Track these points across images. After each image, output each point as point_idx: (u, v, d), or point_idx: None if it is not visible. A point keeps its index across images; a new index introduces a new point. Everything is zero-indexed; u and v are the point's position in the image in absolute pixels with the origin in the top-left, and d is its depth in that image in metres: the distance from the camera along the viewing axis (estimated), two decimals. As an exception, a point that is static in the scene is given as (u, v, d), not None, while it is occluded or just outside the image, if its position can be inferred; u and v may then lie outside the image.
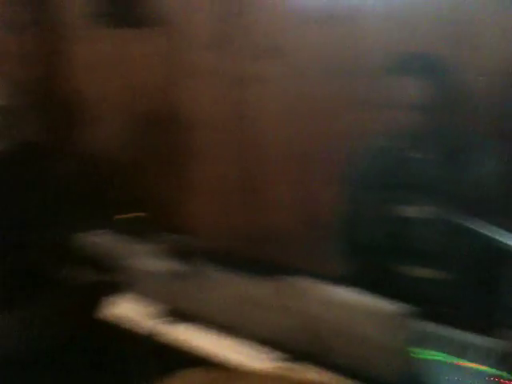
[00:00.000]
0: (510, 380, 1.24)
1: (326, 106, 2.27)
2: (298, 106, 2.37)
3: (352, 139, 2.10)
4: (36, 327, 2.08)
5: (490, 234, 1.45)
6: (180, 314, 1.58)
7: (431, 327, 1.35)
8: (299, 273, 1.34)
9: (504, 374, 1.26)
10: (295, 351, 1.29)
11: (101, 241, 1.79)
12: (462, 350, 1.30)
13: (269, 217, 2.56)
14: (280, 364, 1.27)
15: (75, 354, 2.00)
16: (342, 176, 2.04)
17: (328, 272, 1.68)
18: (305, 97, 2.33)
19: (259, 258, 1.73)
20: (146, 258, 1.66)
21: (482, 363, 1.27)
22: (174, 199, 2.78)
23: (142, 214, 1.96)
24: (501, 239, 1.42)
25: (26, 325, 2.09)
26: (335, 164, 2.11)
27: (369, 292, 1.24)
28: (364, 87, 2.12)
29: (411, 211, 1.85)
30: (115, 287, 1.75)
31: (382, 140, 1.95)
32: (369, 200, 1.92)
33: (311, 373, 1.21)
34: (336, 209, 2.06)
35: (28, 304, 2.10)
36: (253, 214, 2.59)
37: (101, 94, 2.78)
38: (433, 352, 1.31)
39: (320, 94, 2.27)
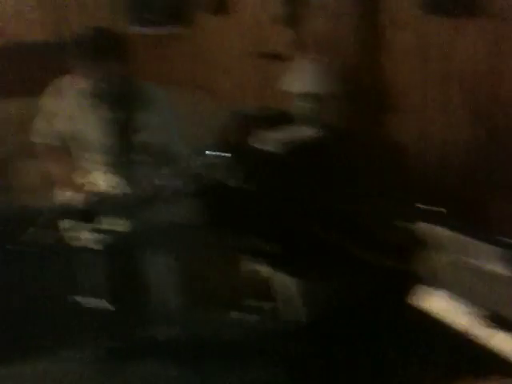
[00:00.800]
0: None
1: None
2: None
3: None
4: (341, 299, 2.30)
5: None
6: (502, 321, 1.53)
7: None
8: None
9: None
10: None
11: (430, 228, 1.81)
12: None
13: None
14: None
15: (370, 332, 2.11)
16: None
17: None
18: None
19: None
20: (479, 258, 1.63)
21: None
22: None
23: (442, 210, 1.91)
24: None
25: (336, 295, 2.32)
26: None
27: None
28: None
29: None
30: (422, 279, 1.78)
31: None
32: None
33: None
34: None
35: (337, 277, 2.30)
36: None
37: (414, 84, 2.66)
38: None
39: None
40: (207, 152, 2.02)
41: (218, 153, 1.87)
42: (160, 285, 2.22)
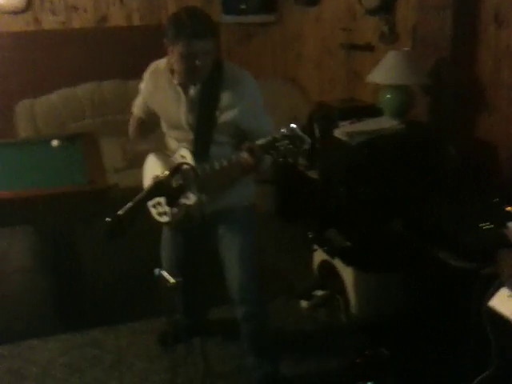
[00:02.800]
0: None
1: None
2: None
3: None
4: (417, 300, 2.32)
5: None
6: None
7: None
8: None
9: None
10: None
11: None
12: None
13: None
14: None
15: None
16: None
17: None
18: None
19: None
20: None
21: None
22: None
23: None
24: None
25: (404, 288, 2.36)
26: None
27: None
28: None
29: None
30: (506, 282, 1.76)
31: None
32: None
33: None
34: None
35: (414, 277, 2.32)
36: None
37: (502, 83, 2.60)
38: None
39: None
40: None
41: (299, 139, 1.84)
42: (230, 266, 2.27)
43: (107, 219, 1.74)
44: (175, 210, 2.09)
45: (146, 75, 2.31)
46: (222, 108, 2.12)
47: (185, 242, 2.43)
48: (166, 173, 1.88)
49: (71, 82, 4.49)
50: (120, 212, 1.75)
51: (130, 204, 1.79)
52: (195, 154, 2.12)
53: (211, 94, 2.13)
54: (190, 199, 2.08)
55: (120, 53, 4.61)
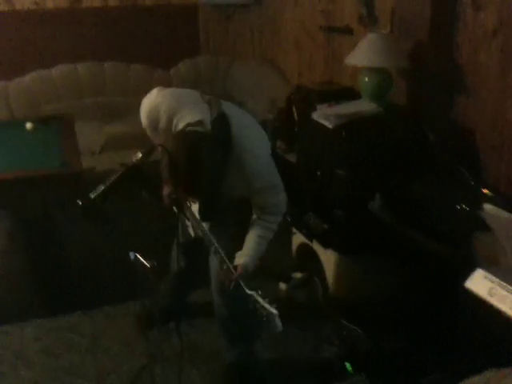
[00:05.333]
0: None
1: None
2: None
3: None
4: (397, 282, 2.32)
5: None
6: None
7: None
8: None
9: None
10: None
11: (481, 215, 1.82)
12: None
13: None
14: None
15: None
16: None
17: None
18: None
19: None
20: None
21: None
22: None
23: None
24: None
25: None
26: None
27: None
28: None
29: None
30: (479, 263, 1.76)
31: None
32: None
33: None
34: None
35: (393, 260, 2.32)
36: None
37: (490, 67, 2.53)
38: None
39: None
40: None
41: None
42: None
43: (78, 202, 1.71)
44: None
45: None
46: (226, 181, 2.03)
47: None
48: (139, 155, 1.85)
49: (46, 64, 4.40)
50: (91, 195, 1.72)
51: (101, 187, 1.76)
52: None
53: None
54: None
55: (95, 34, 4.53)
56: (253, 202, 2.10)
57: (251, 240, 2.10)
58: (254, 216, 2.13)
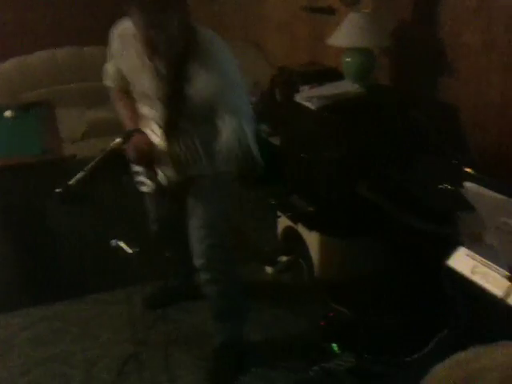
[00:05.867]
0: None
1: None
2: None
3: None
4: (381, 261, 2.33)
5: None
6: None
7: None
8: None
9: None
10: None
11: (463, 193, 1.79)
12: None
13: None
14: None
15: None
16: None
17: None
18: None
19: None
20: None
21: None
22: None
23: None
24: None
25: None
26: None
27: None
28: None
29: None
30: (462, 240, 1.77)
31: None
32: None
33: None
34: None
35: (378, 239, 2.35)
36: None
37: (473, 46, 2.54)
38: None
39: None
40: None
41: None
42: (189, 232, 2.24)
43: (57, 190, 1.69)
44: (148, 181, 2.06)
45: (114, 37, 2.17)
46: (190, 80, 2.03)
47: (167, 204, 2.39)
48: (118, 140, 1.83)
49: (24, 51, 4.33)
50: (70, 182, 1.71)
51: (81, 173, 1.74)
52: (165, 128, 2.06)
53: (178, 66, 2.03)
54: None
55: (75, 19, 4.46)
56: (217, 106, 2.07)
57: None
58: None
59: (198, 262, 2.28)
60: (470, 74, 2.58)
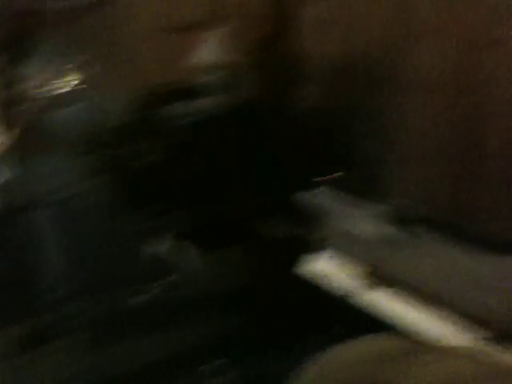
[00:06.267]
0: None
1: None
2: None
3: None
4: (228, 272, 2.25)
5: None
6: (381, 279, 1.59)
7: None
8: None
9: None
10: (503, 332, 1.25)
11: (320, 199, 1.84)
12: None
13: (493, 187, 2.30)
14: (481, 344, 1.23)
15: (261, 303, 2.09)
16: None
17: None
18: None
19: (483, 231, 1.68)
20: (361, 220, 1.67)
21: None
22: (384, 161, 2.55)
23: (341, 174, 1.98)
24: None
25: (221, 267, 2.28)
26: None
27: None
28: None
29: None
30: (317, 245, 1.80)
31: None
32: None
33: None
34: None
35: (224, 249, 2.26)
36: (475, 183, 2.35)
37: (323, 54, 2.67)
38: None
39: None
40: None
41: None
42: (54, 263, 2.12)
43: None
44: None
45: None
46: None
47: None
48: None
49: None
50: None
51: None
52: None
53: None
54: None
55: None
56: None
57: None
58: None
59: None
60: (333, 84, 2.67)
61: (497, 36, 2.21)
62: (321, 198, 1.94)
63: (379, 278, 1.62)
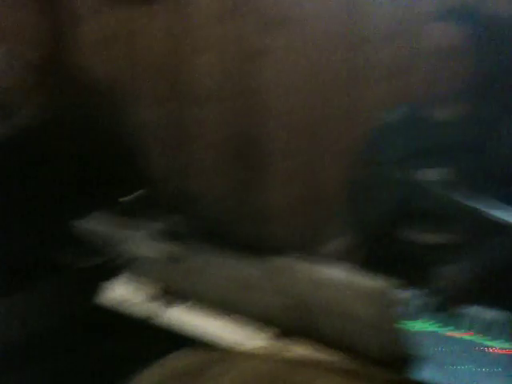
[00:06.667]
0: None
1: (334, 78, 2.29)
2: (306, 78, 2.36)
3: (361, 110, 2.18)
4: (34, 311, 2.02)
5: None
6: (174, 296, 1.55)
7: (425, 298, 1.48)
8: (292, 252, 1.30)
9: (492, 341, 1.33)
10: (287, 329, 1.28)
11: (97, 225, 1.69)
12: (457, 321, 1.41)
13: (268, 194, 2.53)
14: (273, 341, 1.28)
15: (73, 339, 1.90)
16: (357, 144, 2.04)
17: (323, 251, 1.82)
18: (313, 68, 2.32)
19: (254, 238, 1.84)
20: (141, 241, 1.61)
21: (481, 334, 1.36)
22: (172, 177, 2.67)
23: (141, 193, 1.92)
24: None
25: (24, 309, 2.04)
26: (343, 137, 2.19)
27: (365, 268, 1.25)
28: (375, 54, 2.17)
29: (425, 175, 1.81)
30: (112, 271, 1.68)
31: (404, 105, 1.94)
32: (382, 165, 1.90)
33: (303, 348, 1.21)
34: (347, 177, 2.07)
35: (26, 288, 2.03)
36: (252, 191, 2.54)
37: (109, 72, 2.62)
38: (424, 323, 1.39)
39: (329, 64, 2.29)
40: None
41: None
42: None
43: None
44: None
45: None
46: None
47: None
48: None
49: None
50: None
51: None
52: None
53: None
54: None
55: None
56: None
57: None
58: None
59: None
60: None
61: (263, 46, 2.44)
62: (96, 223, 1.95)
63: (173, 295, 1.68)
